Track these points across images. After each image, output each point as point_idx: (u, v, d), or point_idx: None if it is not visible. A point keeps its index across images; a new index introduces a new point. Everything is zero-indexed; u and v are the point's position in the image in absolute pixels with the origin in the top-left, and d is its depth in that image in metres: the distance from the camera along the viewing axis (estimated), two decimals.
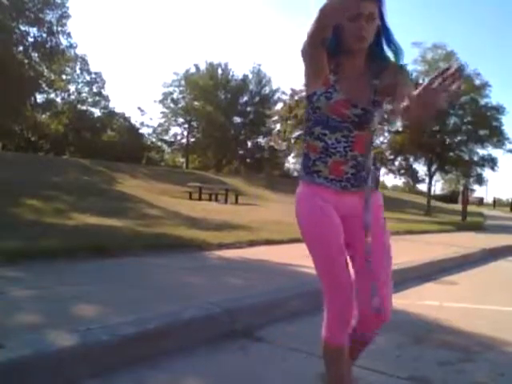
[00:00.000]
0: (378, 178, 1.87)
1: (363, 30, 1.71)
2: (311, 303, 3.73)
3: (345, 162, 1.75)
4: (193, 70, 45.25)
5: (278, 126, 34.43)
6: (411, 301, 4.32)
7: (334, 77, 1.79)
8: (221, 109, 43.24)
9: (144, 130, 45.69)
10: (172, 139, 46.82)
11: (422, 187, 38.59)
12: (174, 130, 46.40)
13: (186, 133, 45.97)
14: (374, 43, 1.79)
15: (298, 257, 5.10)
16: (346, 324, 1.83)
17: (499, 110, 25.18)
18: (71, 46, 31.42)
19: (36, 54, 28.78)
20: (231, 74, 45.69)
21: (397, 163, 27.70)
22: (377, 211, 1.85)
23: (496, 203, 58.48)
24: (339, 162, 1.75)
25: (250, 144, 46.52)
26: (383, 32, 1.80)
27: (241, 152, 46.17)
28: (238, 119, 45.75)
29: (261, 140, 46.04)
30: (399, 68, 1.80)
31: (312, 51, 1.74)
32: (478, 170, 26.88)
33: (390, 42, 1.82)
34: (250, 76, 46.03)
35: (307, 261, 5.39)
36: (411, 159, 26.86)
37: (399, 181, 70.99)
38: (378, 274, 1.80)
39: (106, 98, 43.09)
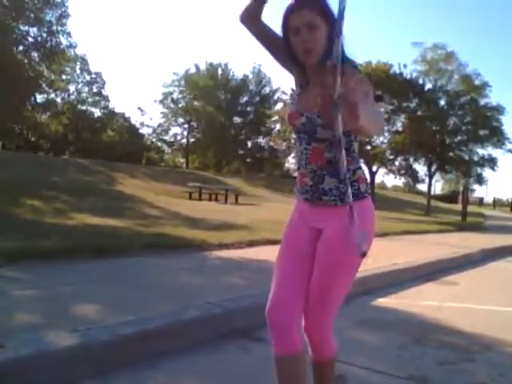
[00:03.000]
0: (345, 192, 1.63)
1: (306, 43, 1.62)
2: None
3: (306, 174, 1.73)
4: (193, 70, 45.32)
5: (278, 126, 34.43)
6: (411, 301, 4.32)
7: (298, 90, 1.80)
8: (221, 109, 43.25)
9: (144, 130, 45.76)
10: (172, 139, 46.87)
11: (422, 187, 38.58)
12: (174, 130, 46.47)
13: (186, 133, 46.01)
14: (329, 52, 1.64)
15: None
16: (273, 323, 1.69)
17: (499, 110, 25.18)
18: (71, 45, 31.45)
19: (36, 54, 28.79)
20: (231, 74, 45.73)
21: (397, 163, 27.71)
22: (332, 236, 1.68)
23: (496, 203, 58.47)
24: (303, 174, 1.75)
25: (250, 144, 46.55)
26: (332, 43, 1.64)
27: (241, 152, 46.17)
28: (237, 119, 45.78)
29: (261, 140, 46.08)
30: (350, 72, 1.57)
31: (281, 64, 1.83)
32: (478, 169, 26.87)
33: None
34: (250, 76, 46.09)
35: None
36: (411, 159, 26.85)
37: (399, 181, 70.96)
38: (310, 297, 1.73)
39: (106, 98, 43.14)
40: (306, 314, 1.73)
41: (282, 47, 1.76)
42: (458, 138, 25.58)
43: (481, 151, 26.04)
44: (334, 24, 1.61)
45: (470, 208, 25.22)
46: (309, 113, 1.68)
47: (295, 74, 1.82)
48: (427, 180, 27.49)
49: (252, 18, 1.78)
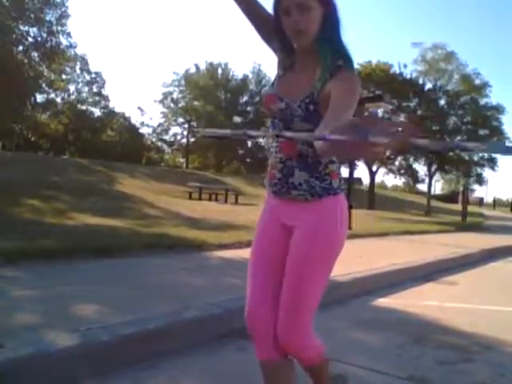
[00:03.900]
0: (315, 187, 1.56)
1: (297, 24, 1.50)
2: None
3: (275, 166, 1.62)
4: (193, 69, 45.33)
5: None
6: (411, 301, 4.32)
7: (281, 72, 1.67)
8: (221, 109, 43.26)
9: (144, 130, 45.78)
10: (172, 139, 46.90)
11: (422, 187, 38.57)
12: (174, 129, 46.48)
13: (185, 133, 46.01)
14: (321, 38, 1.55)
15: None
16: (252, 328, 1.64)
17: (499, 109, 25.22)
18: (71, 45, 31.47)
19: (36, 54, 28.79)
20: (231, 73, 45.78)
21: (397, 163, 27.74)
22: (305, 232, 1.58)
23: (496, 203, 58.49)
24: (272, 165, 1.64)
25: (250, 144, 46.56)
26: (326, 26, 1.54)
27: (241, 152, 46.18)
28: (238, 119, 45.78)
29: (261, 140, 46.08)
30: (342, 75, 1.49)
31: (269, 45, 1.73)
32: (478, 169, 26.93)
33: (328, 39, 1.54)
34: (250, 76, 46.15)
35: None
36: (411, 159, 26.88)
37: (399, 181, 70.96)
38: (282, 300, 1.61)
39: (106, 98, 43.14)
40: (279, 320, 1.59)
41: (269, 24, 1.65)
42: (458, 137, 25.59)
43: None
44: (330, 5, 1.54)
45: (470, 208, 25.21)
46: (290, 99, 1.55)
47: (279, 55, 1.70)
48: (427, 180, 27.52)
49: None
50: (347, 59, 1.55)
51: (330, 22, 1.54)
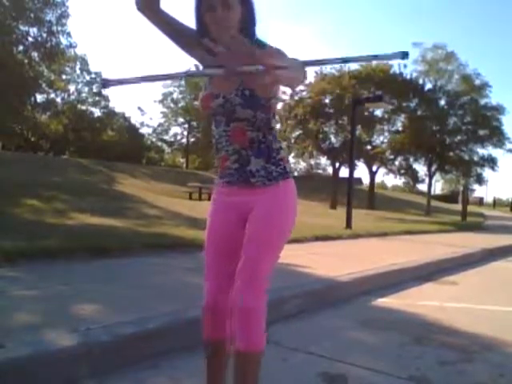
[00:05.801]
0: (272, 172, 1.68)
1: (222, 20, 1.63)
2: (311, 303, 3.73)
3: (227, 157, 1.70)
4: (193, 70, 45.29)
5: (278, 126, 34.44)
6: (411, 301, 4.32)
7: None
8: None
9: (144, 130, 45.84)
10: (172, 139, 46.89)
11: (422, 187, 38.58)
12: (174, 129, 46.52)
13: (186, 133, 46.01)
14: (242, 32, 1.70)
15: (297, 256, 5.10)
16: (208, 312, 1.80)
17: (499, 109, 25.22)
18: (71, 45, 31.43)
19: (36, 54, 28.79)
20: None
21: (397, 163, 27.74)
22: (261, 210, 1.67)
23: (496, 203, 58.52)
24: (224, 158, 1.71)
25: None
26: (245, 22, 1.69)
27: None
28: None
29: None
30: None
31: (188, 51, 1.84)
32: (478, 169, 26.92)
33: (249, 33, 1.71)
34: None
35: (306, 261, 5.34)
36: (411, 159, 26.89)
37: (399, 181, 70.93)
38: (240, 268, 1.67)
39: (106, 98, 43.19)
40: (237, 285, 1.66)
41: (184, 32, 1.78)
42: (458, 137, 25.62)
43: (481, 151, 26.10)
44: (248, 4, 1.69)
45: (470, 208, 25.20)
46: (226, 93, 1.65)
47: (202, 57, 1.80)
48: (427, 180, 27.52)
49: (151, 6, 1.81)
50: (264, 46, 1.68)
51: (249, 18, 1.69)
